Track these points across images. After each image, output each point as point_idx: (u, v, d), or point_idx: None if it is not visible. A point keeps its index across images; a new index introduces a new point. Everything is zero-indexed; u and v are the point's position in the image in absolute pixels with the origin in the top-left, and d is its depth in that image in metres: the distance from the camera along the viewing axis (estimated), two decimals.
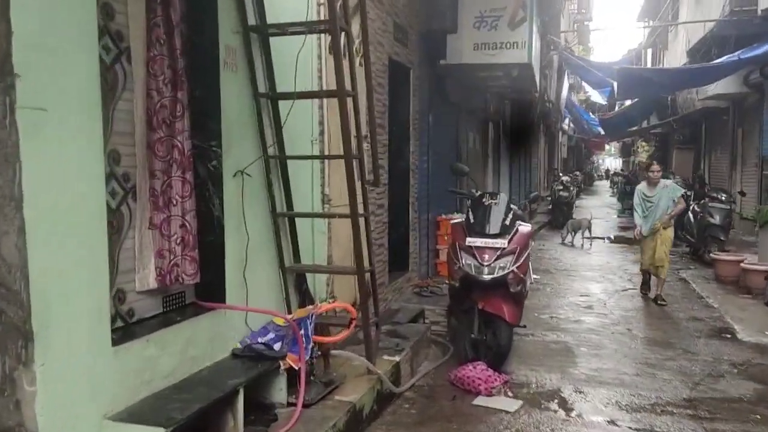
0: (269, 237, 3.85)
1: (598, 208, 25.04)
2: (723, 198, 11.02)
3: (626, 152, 48.88)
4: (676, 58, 18.29)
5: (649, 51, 26.61)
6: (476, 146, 11.35)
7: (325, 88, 4.33)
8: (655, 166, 7.96)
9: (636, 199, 7.83)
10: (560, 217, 17.42)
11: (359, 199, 3.94)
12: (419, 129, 7.28)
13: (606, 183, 51.17)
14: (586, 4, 16.38)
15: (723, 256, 8.95)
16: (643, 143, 30.56)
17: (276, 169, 3.92)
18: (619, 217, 21.27)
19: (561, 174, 23.41)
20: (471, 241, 4.84)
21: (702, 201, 11.33)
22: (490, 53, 7.05)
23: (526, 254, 4.89)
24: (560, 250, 12.61)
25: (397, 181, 6.75)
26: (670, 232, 7.72)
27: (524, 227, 5.05)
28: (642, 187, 7.92)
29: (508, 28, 6.96)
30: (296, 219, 4.04)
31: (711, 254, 9.28)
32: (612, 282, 9.28)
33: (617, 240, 14.63)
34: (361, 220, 3.92)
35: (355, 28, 4.24)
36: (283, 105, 3.78)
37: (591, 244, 13.55)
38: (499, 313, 4.72)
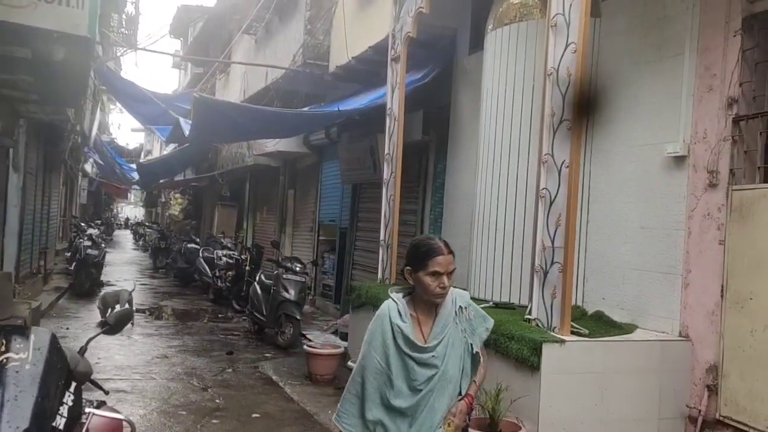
0: None
1: (127, 265, 21.71)
2: (298, 269, 9.59)
3: (151, 203, 46.62)
4: None
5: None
6: None
7: None
8: (446, 257, 2.64)
9: (373, 361, 2.62)
10: (87, 282, 13.58)
11: None
12: None
13: (126, 233, 47.65)
14: (133, 25, 13.52)
15: (319, 349, 7.21)
16: (177, 195, 28.73)
17: None
18: (153, 277, 18.45)
19: (85, 225, 19.22)
20: None
21: (275, 272, 9.67)
22: (13, 5, 3.53)
23: None
24: (98, 338, 9.02)
25: None
26: None
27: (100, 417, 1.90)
28: (393, 314, 2.67)
29: None
30: None
31: (305, 346, 7.42)
32: (182, 403, 6.42)
33: (161, 313, 11.80)
34: None
35: None
36: None
37: (133, 323, 10.35)
38: None
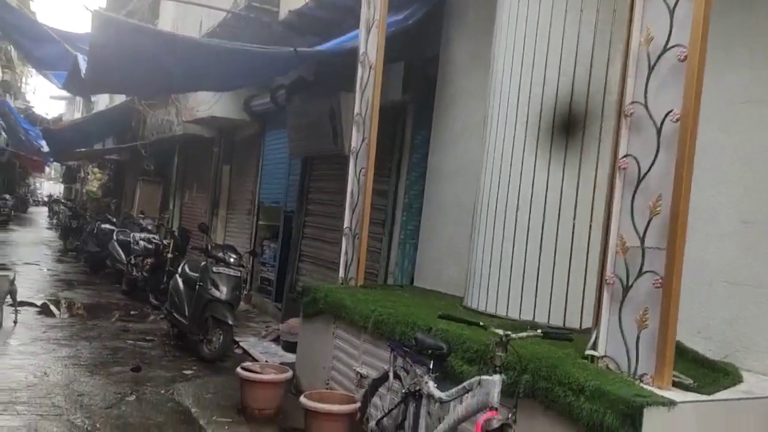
0: None
1: (35, 246, 18.92)
2: (232, 260, 7.58)
3: (70, 178, 42.71)
4: None
5: None
6: None
7: None
8: None
9: None
10: None
11: None
12: None
13: (45, 210, 43.61)
14: None
15: (259, 375, 5.22)
16: (95, 170, 25.76)
17: None
18: (60, 261, 15.85)
19: None
20: None
21: (203, 263, 7.63)
22: None
23: None
24: None
25: None
26: None
27: None
28: None
29: None
30: None
31: (238, 369, 5.35)
32: None
33: (79, 308, 9.46)
34: None
35: None
36: None
37: (16, 321, 8.07)
38: None
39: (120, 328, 8.42)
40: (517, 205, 4.35)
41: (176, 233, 11.19)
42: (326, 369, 5.30)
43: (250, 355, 7.36)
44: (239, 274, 7.52)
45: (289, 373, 5.28)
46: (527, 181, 4.31)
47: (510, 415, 3.06)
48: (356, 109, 5.91)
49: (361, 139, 5.84)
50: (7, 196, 25.84)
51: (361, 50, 5.88)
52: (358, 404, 4.32)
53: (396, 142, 6.95)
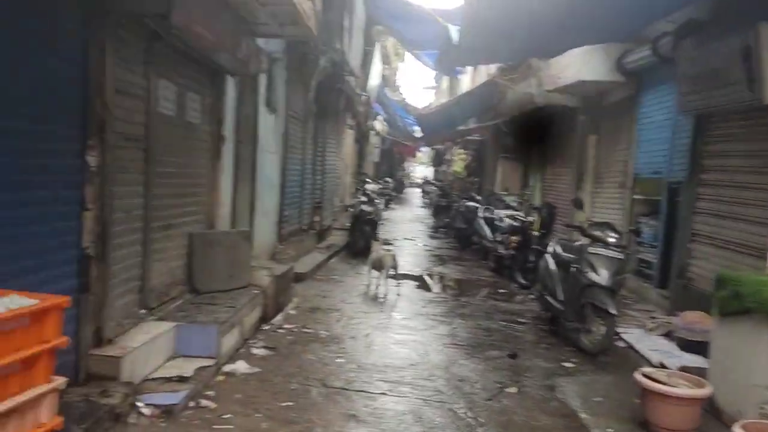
0: None
1: (411, 223, 20.84)
2: (612, 240, 6.58)
3: (438, 161, 46.64)
4: None
5: None
6: (185, 116, 5.63)
7: None
8: None
9: None
10: (360, 240, 12.41)
11: None
12: None
13: (417, 191, 48.58)
14: None
15: (670, 388, 4.18)
16: (459, 151, 27.23)
17: None
18: (432, 237, 16.98)
19: (368, 181, 18.63)
20: None
21: (577, 243, 6.84)
22: None
23: None
24: (354, 312, 7.37)
25: None
26: None
27: None
28: None
29: None
30: None
31: (639, 375, 4.38)
32: None
33: (451, 283, 9.82)
34: None
35: None
36: None
37: (399, 293, 8.60)
38: None
39: (490, 307, 8.25)
40: None
41: (542, 209, 10.67)
42: (759, 389, 3.97)
43: (635, 351, 6.31)
44: (621, 257, 6.49)
45: (710, 389, 4.10)
46: None
47: None
48: None
49: None
50: (389, 179, 29.23)
51: None
52: None
53: None
